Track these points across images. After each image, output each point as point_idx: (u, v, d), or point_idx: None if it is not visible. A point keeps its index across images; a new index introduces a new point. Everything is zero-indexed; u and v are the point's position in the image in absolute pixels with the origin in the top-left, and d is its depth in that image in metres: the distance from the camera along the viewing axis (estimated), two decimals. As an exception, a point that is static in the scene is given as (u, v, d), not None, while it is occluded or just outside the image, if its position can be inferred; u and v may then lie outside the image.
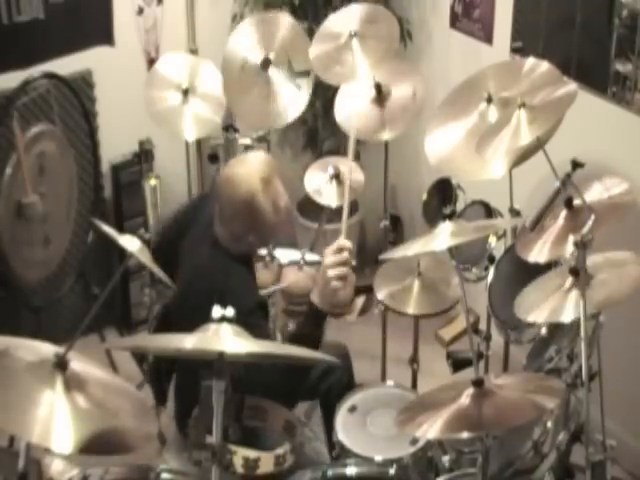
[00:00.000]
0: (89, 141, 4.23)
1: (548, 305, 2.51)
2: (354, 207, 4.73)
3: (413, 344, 3.65)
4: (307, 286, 3.60)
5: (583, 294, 2.38)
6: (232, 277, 2.87)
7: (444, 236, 2.38)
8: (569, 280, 2.49)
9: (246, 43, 3.64)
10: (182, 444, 2.97)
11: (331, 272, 2.77)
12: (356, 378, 3.37)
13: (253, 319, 2.67)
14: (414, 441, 2.76)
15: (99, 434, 1.96)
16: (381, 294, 3.38)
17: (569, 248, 2.63)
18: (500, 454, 2.65)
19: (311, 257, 3.55)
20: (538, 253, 2.82)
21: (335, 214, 4.06)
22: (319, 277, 2.82)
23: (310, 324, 2.82)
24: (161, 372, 3.18)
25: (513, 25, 3.95)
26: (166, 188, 4.24)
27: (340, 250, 2.82)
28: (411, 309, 3.34)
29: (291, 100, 3.63)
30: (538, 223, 2.97)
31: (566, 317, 2.43)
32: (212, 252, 2.94)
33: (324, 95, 4.25)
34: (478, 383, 2.28)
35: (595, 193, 2.89)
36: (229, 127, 3.81)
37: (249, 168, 2.90)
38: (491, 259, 3.33)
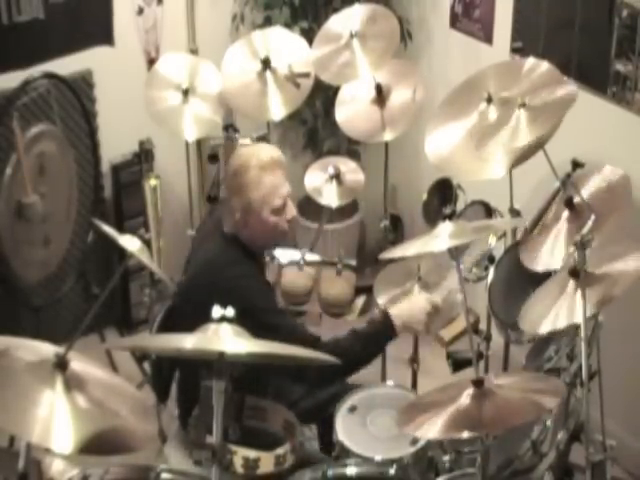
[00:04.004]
0: (89, 141, 4.22)
1: (554, 312, 2.47)
2: (354, 207, 4.73)
3: (413, 344, 3.65)
4: (306, 286, 3.60)
5: (583, 294, 2.38)
6: (235, 266, 2.94)
7: (444, 237, 2.38)
8: (571, 283, 2.48)
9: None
10: (185, 442, 2.97)
11: (427, 309, 3.01)
12: (356, 378, 3.36)
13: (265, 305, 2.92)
14: (414, 441, 2.75)
15: (99, 434, 1.97)
16: (381, 299, 3.37)
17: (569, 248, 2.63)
18: (499, 453, 2.65)
19: (311, 257, 3.55)
20: (547, 260, 2.83)
21: (335, 214, 4.07)
22: (413, 301, 3.09)
23: (377, 331, 3.01)
24: (163, 369, 3.18)
25: (513, 25, 3.95)
26: (166, 188, 4.24)
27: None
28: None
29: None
30: (538, 223, 2.97)
31: (571, 319, 2.42)
32: (220, 245, 3.01)
33: (324, 95, 4.25)
34: (478, 383, 2.28)
35: (594, 184, 2.90)
36: (229, 127, 3.80)
37: (255, 149, 3.08)
38: (491, 259, 3.33)
